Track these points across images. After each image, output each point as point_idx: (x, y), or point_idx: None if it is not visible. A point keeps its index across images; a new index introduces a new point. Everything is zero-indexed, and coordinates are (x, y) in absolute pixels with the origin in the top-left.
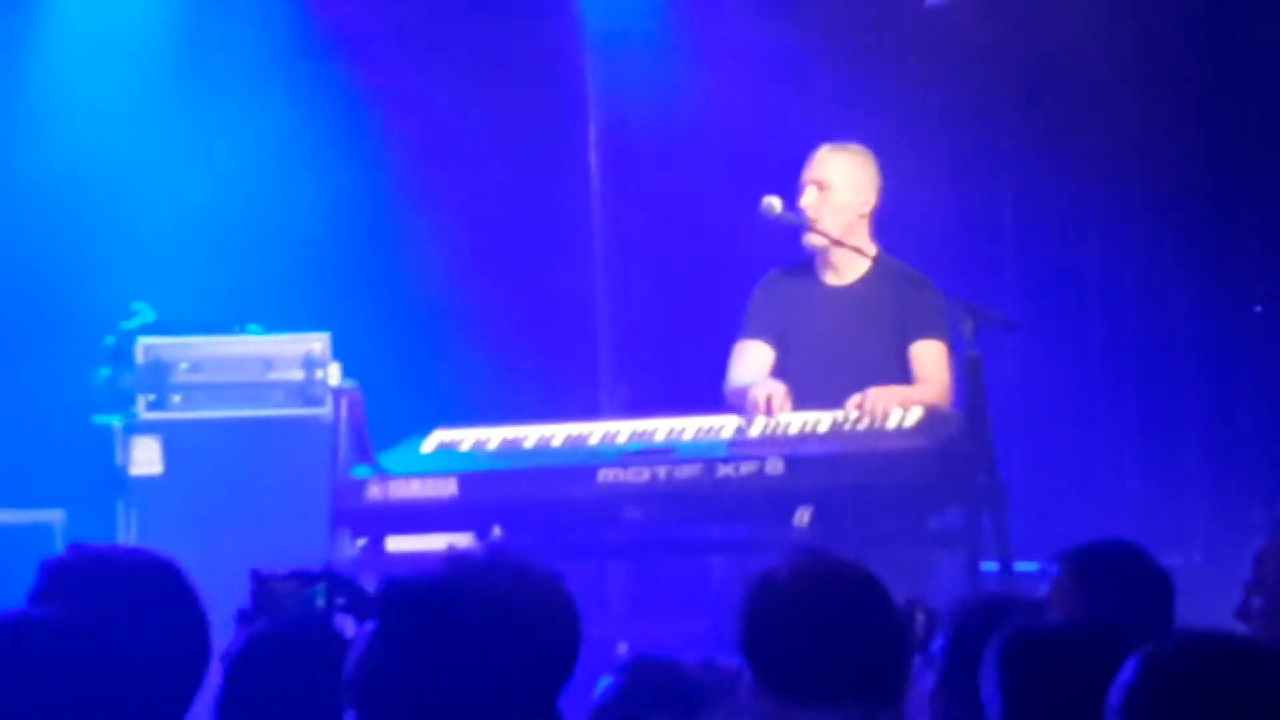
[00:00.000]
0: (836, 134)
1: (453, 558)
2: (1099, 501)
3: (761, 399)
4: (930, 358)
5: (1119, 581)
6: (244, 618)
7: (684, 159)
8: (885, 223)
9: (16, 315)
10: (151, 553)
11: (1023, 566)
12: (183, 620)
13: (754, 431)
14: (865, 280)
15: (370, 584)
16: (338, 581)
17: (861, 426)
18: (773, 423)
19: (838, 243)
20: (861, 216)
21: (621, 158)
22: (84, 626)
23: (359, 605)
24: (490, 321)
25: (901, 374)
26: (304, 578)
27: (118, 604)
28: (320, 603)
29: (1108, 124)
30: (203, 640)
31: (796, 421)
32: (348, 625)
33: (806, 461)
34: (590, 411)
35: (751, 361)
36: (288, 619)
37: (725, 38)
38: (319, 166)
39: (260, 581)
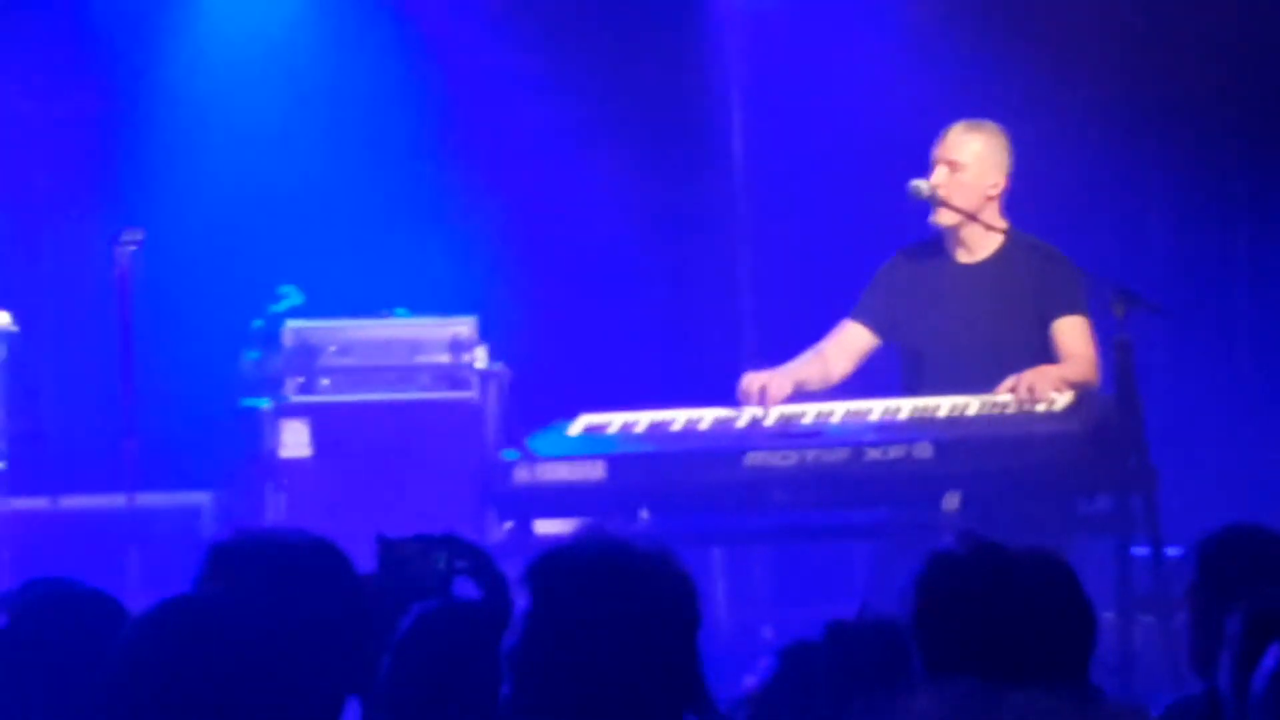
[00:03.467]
0: (978, 113)
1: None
2: (1250, 486)
3: (755, 389)
4: (1075, 333)
5: (1254, 568)
6: (368, 581)
7: (828, 139)
8: (1034, 208)
9: (167, 299)
10: (315, 535)
11: (1174, 551)
12: (348, 602)
13: (903, 414)
14: (998, 256)
15: (517, 566)
16: (459, 546)
17: (1010, 410)
18: (921, 405)
19: (970, 216)
20: (990, 199)
21: (765, 141)
22: (253, 608)
23: (480, 570)
24: (636, 305)
25: (1041, 349)
26: (427, 541)
27: (285, 586)
28: (442, 566)
29: (1257, 109)
30: (367, 622)
31: (945, 405)
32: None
33: (955, 445)
34: (735, 396)
35: (840, 341)
36: (448, 597)
37: (867, 13)
38: (467, 152)
39: (385, 545)
